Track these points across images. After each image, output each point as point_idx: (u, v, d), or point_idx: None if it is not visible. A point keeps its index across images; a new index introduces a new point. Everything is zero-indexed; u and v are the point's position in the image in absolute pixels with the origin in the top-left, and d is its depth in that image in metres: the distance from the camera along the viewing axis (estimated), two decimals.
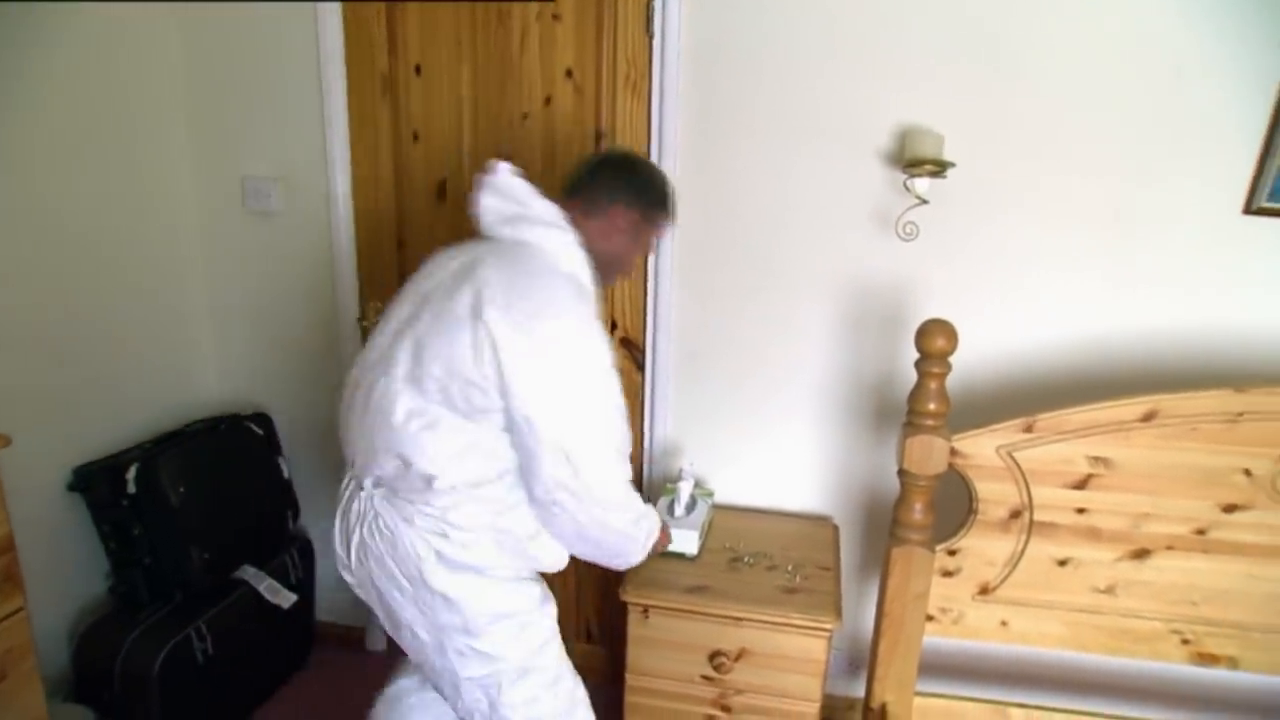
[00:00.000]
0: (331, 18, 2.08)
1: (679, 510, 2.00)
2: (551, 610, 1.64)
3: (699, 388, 2.17)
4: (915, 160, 1.81)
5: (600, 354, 1.43)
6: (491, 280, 1.37)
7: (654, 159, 2.00)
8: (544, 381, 1.36)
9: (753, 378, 2.13)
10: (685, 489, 2.00)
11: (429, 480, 1.40)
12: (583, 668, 2.43)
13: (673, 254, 2.07)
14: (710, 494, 2.15)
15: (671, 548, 1.91)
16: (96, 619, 2.08)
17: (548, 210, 1.50)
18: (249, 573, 2.25)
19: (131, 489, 2.02)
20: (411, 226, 2.21)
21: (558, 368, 1.37)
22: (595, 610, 2.44)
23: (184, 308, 2.35)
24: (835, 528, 2.15)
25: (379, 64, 2.10)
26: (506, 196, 1.52)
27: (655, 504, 1.87)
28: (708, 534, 2.06)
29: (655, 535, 1.65)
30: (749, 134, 1.97)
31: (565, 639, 2.41)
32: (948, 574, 1.75)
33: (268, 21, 2.13)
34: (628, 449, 1.48)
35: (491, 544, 1.48)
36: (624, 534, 1.54)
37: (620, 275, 1.67)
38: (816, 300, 2.04)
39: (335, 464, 2.42)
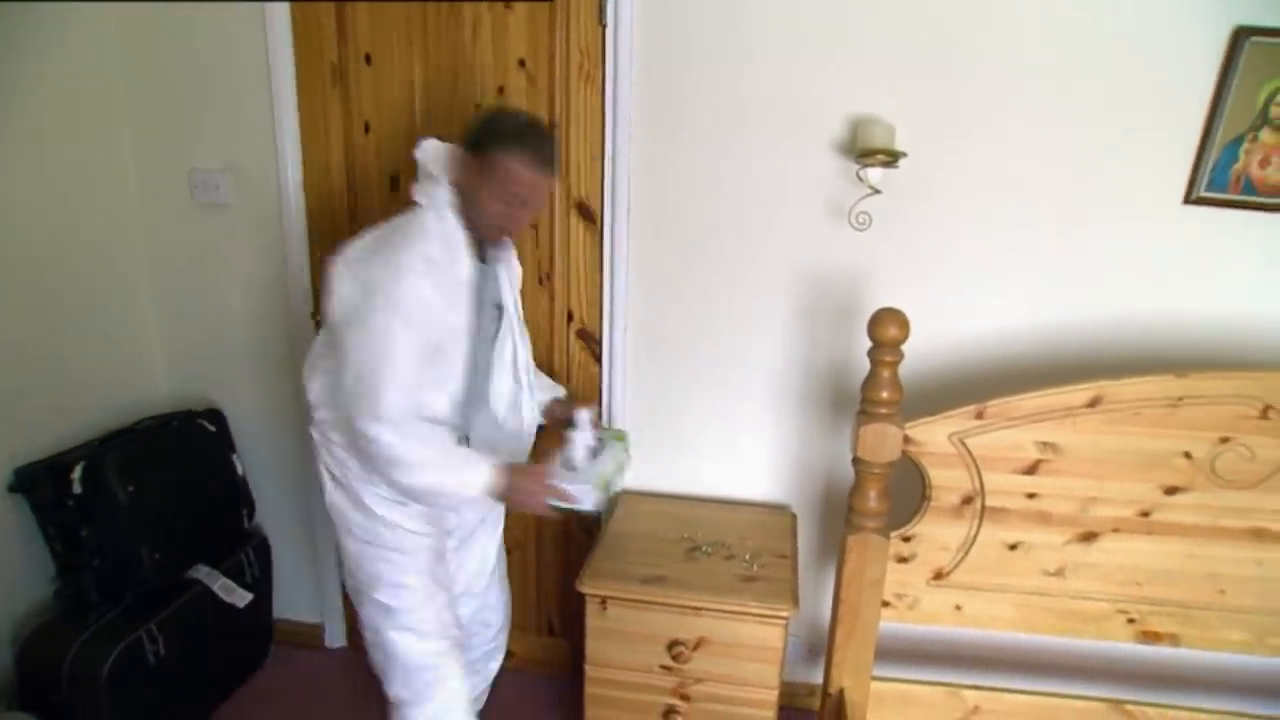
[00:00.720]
0: (278, 5, 2.04)
1: (577, 463, 1.77)
2: (412, 562, 1.71)
3: (656, 379, 2.17)
4: (867, 150, 1.82)
5: (392, 317, 1.47)
6: (364, 236, 1.60)
7: (609, 149, 2.00)
8: (338, 329, 1.53)
9: (710, 368, 2.14)
10: (580, 440, 1.78)
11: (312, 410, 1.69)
12: (544, 661, 2.46)
13: (628, 245, 2.06)
14: (623, 437, 1.91)
15: (574, 505, 1.69)
16: (41, 623, 2.03)
17: (436, 165, 1.59)
18: (202, 571, 2.22)
19: (77, 489, 1.98)
20: (364, 218, 2.15)
21: (351, 318, 1.50)
22: (555, 603, 2.44)
23: (131, 303, 2.30)
24: (793, 516, 2.17)
25: (328, 53, 2.07)
26: (422, 163, 1.62)
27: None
28: (617, 482, 1.98)
29: (481, 486, 1.58)
30: (703, 124, 1.97)
31: (526, 632, 2.43)
32: (902, 560, 1.77)
33: (211, 9, 2.08)
34: (405, 413, 1.51)
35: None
36: (416, 489, 1.58)
37: (500, 229, 1.61)
38: (771, 290, 2.05)
39: (290, 459, 2.40)
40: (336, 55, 2.06)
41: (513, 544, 2.38)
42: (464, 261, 1.56)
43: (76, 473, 1.97)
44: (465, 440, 1.75)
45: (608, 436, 1.87)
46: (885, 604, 1.79)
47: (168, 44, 2.14)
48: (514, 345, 1.76)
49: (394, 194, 2.14)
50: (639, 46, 1.93)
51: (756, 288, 2.06)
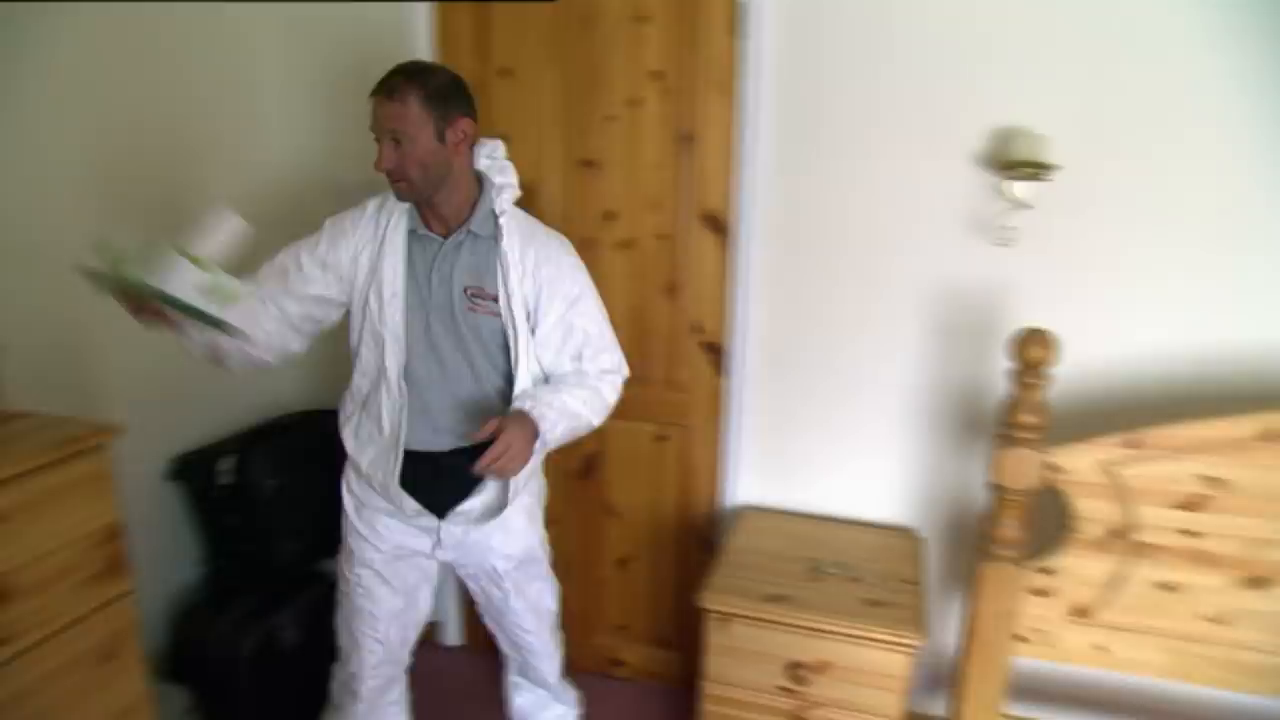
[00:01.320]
0: (421, 21, 2.12)
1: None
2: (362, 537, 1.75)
3: (780, 394, 2.14)
4: (1012, 162, 1.75)
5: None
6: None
7: (740, 161, 1.99)
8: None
9: (836, 385, 2.09)
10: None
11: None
12: (656, 673, 2.46)
13: (757, 258, 2.04)
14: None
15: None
16: (190, 603, 2.16)
17: None
18: (331, 566, 2.31)
19: (226, 479, 2.09)
20: None
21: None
22: (669, 614, 2.42)
23: None
24: (920, 540, 2.09)
25: (466, 67, 2.13)
26: None
27: None
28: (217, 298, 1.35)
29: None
30: (837, 136, 1.93)
31: (639, 642, 2.43)
32: (1040, 593, 1.68)
33: (358, 24, 2.18)
34: None
35: None
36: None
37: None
38: (904, 305, 1.99)
39: None
40: (475, 70, 2.13)
41: (628, 554, 2.39)
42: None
43: (226, 464, 2.09)
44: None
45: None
46: (1020, 639, 1.70)
47: (310, 53, 2.26)
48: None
49: (528, 205, 2.17)
50: (774, 58, 1.91)
51: (888, 303, 2.00)
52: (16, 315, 1.57)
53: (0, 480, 1.17)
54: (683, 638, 2.42)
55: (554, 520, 2.38)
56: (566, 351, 1.66)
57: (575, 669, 2.52)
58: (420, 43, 2.13)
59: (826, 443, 2.14)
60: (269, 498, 2.10)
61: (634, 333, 2.19)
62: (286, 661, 2.12)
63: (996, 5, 1.77)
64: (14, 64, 1.64)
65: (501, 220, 1.60)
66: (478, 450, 1.46)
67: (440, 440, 1.65)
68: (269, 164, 2.35)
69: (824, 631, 1.78)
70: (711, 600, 1.85)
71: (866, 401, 2.08)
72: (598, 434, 2.26)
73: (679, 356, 2.18)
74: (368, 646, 1.79)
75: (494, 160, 1.66)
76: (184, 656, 2.10)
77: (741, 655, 1.86)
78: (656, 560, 2.38)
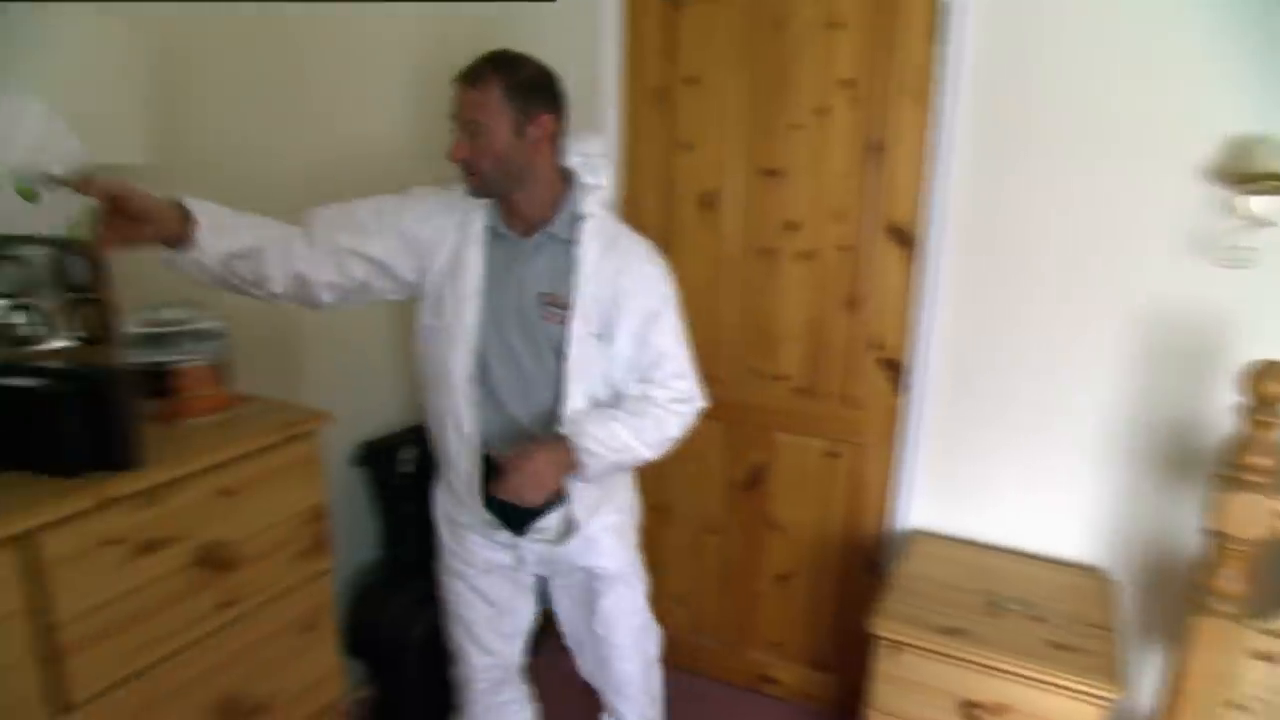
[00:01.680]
0: (611, 29, 2.17)
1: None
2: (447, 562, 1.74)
3: (963, 416, 2.03)
4: (1250, 175, 1.58)
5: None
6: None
7: (932, 171, 1.90)
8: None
9: (1025, 410, 1.96)
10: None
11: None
12: (813, 695, 2.39)
13: (945, 271, 1.95)
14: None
15: None
16: (369, 582, 2.29)
17: None
18: None
19: (407, 469, 2.20)
20: (676, 235, 2.24)
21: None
22: (827, 635, 2.36)
23: None
24: (1110, 582, 1.93)
25: (654, 76, 2.16)
26: None
27: None
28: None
29: None
30: (1040, 147, 1.82)
31: (796, 662, 2.38)
32: (1265, 657, 1.51)
33: (551, 33, 2.24)
34: None
35: None
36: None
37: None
38: (1107, 329, 1.85)
39: None
40: (662, 79, 2.15)
41: (788, 570, 2.34)
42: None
43: (407, 454, 2.19)
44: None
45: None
46: (1237, 707, 1.53)
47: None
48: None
49: (706, 212, 2.19)
50: (974, 64, 1.82)
51: (1087, 326, 1.86)
52: (240, 308, 1.70)
53: (233, 458, 1.28)
54: (841, 661, 2.35)
55: (714, 529, 2.40)
56: (637, 369, 1.52)
57: (724, 682, 2.50)
58: (609, 45, 2.17)
59: (1010, 470, 2.02)
60: None
61: (810, 346, 2.15)
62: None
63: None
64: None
65: (583, 224, 1.48)
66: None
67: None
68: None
69: (1004, 672, 1.67)
70: (883, 626, 1.77)
71: (1058, 428, 1.94)
72: (766, 445, 2.26)
73: (855, 372, 2.11)
74: (471, 651, 1.77)
75: (587, 158, 1.54)
76: (360, 633, 2.23)
77: (911, 686, 1.78)
78: (818, 579, 2.32)
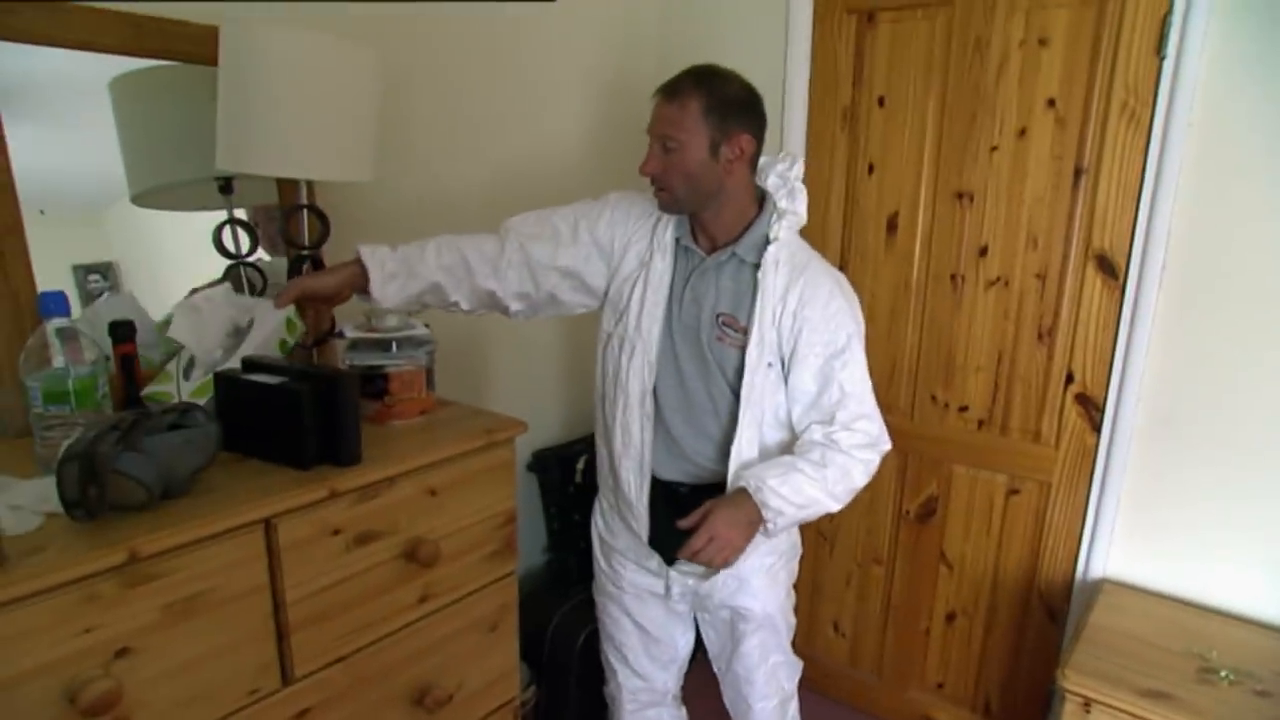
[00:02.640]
0: (801, 50, 2.16)
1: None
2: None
3: (1167, 461, 1.87)
4: None
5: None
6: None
7: (1146, 198, 1.78)
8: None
9: (1239, 454, 1.79)
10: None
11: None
12: None
13: (1153, 303, 1.81)
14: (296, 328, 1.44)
15: None
16: (533, 588, 2.36)
17: None
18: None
19: (579, 478, 2.25)
20: (857, 258, 2.20)
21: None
22: (996, 682, 2.23)
23: None
24: None
25: (842, 96, 2.13)
26: None
27: None
28: None
29: None
30: (1277, 169, 1.66)
31: (959, 705, 2.26)
32: None
33: (738, 55, 2.25)
34: None
35: None
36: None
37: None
38: None
39: None
40: (850, 98, 2.12)
41: (958, 609, 2.24)
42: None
43: (581, 464, 2.25)
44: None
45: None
46: None
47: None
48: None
49: (890, 235, 2.13)
50: (1204, 80, 1.69)
51: None
52: (435, 316, 1.81)
53: (440, 460, 1.35)
54: (1007, 711, 2.22)
55: (880, 560, 2.32)
56: (819, 409, 1.45)
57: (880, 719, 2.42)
58: (798, 63, 2.17)
59: (1218, 521, 1.84)
60: None
61: (997, 377, 2.05)
62: None
63: None
64: None
65: (770, 248, 1.43)
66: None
67: (683, 469, 1.55)
68: None
69: None
70: (1072, 680, 1.65)
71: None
72: (942, 477, 2.17)
73: (1045, 406, 2.00)
74: (621, 671, 1.78)
75: (785, 181, 1.49)
76: (526, 636, 2.29)
77: None
78: (990, 622, 2.20)
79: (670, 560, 1.59)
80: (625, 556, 1.68)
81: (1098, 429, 1.94)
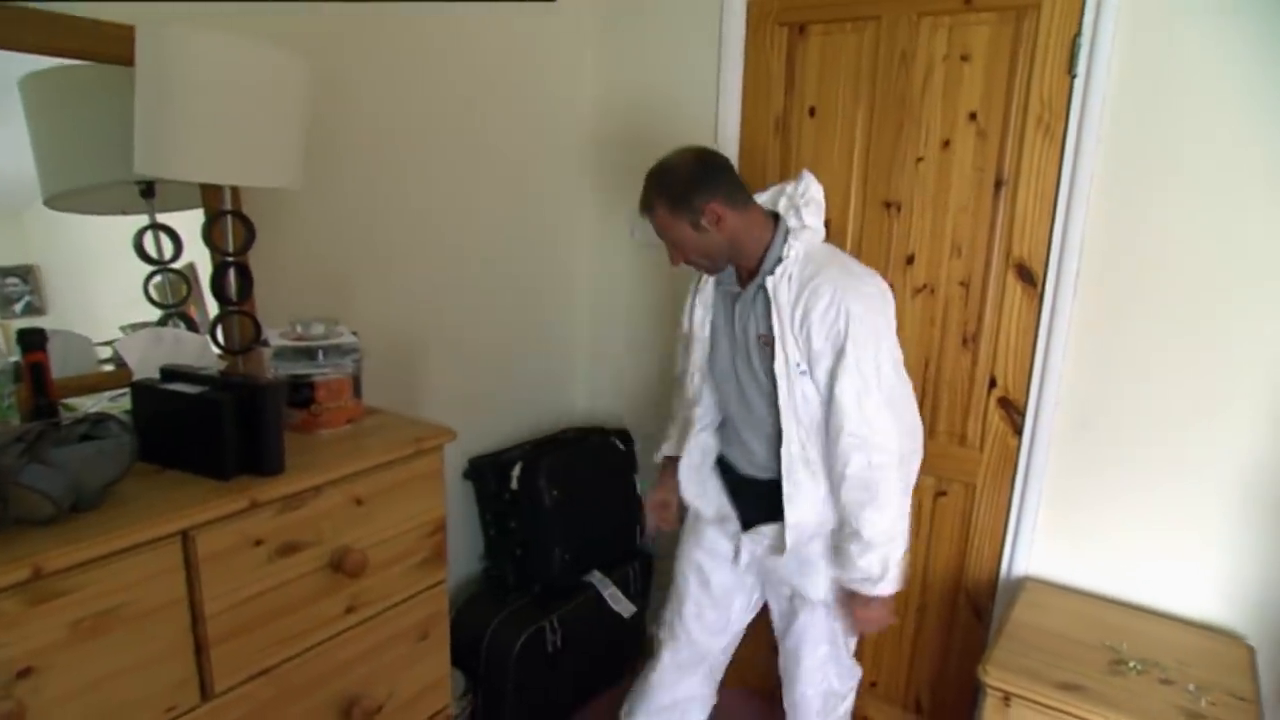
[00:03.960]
0: (734, 58, 2.19)
1: None
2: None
3: (1085, 462, 1.95)
4: None
5: None
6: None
7: (1061, 208, 1.85)
8: None
9: (1155, 458, 1.87)
10: None
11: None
12: None
13: (1070, 309, 1.88)
14: None
15: None
16: (471, 594, 2.34)
17: None
18: (596, 578, 2.40)
19: (514, 485, 2.25)
20: None
21: None
22: (925, 679, 2.28)
23: (572, 321, 2.60)
24: (1250, 649, 1.81)
25: (774, 105, 2.17)
26: None
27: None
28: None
29: None
30: (1180, 182, 1.74)
31: (891, 704, 2.31)
32: None
33: (673, 63, 2.29)
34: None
35: None
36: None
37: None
38: (1259, 378, 1.74)
39: None
40: (782, 107, 2.16)
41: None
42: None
43: (516, 471, 2.24)
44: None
45: None
46: None
47: (628, 92, 2.40)
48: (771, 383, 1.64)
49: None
50: (1112, 97, 1.76)
51: (1238, 372, 1.75)
52: (364, 323, 1.80)
53: (366, 469, 1.34)
54: (937, 707, 2.28)
55: None
56: (833, 418, 1.57)
57: None
58: (731, 74, 2.21)
59: (1134, 520, 1.92)
60: (550, 507, 2.23)
61: (923, 382, 2.10)
62: (550, 663, 2.24)
63: None
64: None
65: (780, 266, 1.57)
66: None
67: (757, 471, 1.74)
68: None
69: None
70: (993, 676, 1.71)
71: (1193, 479, 1.84)
72: None
73: (970, 410, 2.06)
74: (673, 621, 1.94)
75: (792, 200, 1.64)
76: (462, 644, 2.28)
77: None
78: (920, 621, 2.25)
79: (747, 525, 1.78)
80: (709, 519, 1.86)
81: (1019, 432, 2.00)
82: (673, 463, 1.86)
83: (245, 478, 1.20)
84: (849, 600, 1.69)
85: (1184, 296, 1.78)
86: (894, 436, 1.56)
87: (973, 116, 1.92)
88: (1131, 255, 1.82)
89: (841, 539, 1.64)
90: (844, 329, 1.51)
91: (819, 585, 1.74)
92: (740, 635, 1.97)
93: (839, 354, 1.52)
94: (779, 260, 1.57)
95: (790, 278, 1.56)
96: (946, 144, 1.96)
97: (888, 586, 1.60)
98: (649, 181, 1.61)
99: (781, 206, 1.64)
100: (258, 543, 1.18)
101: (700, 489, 1.85)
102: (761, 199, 1.67)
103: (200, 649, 1.13)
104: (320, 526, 1.28)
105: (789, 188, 1.65)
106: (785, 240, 1.58)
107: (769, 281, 1.57)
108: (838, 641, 1.83)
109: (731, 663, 2.26)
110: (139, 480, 1.16)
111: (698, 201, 1.54)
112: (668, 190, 1.57)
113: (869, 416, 1.53)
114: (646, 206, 1.61)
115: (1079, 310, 1.88)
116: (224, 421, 1.15)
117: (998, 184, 1.92)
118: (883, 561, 1.58)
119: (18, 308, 1.37)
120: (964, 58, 1.90)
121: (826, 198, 2.10)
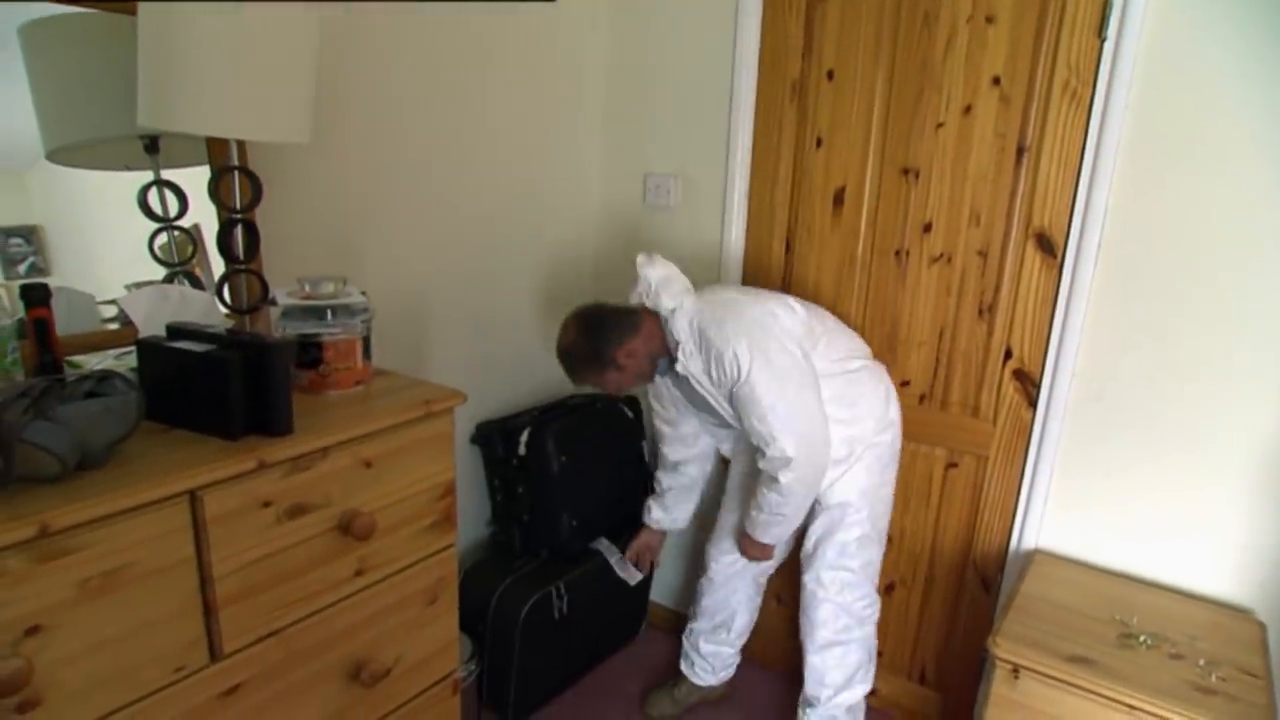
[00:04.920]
0: (751, 21, 2.14)
1: None
2: None
3: (1099, 434, 1.92)
4: None
5: None
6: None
7: (1085, 177, 1.81)
8: None
9: (1171, 432, 1.84)
10: None
11: None
12: (910, 709, 2.33)
13: (1090, 281, 1.85)
14: None
15: None
16: (478, 559, 2.34)
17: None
18: (604, 545, 2.40)
19: (522, 451, 2.23)
20: (803, 232, 2.21)
21: None
22: (933, 651, 2.28)
23: (576, 288, 2.56)
24: (1261, 625, 1.80)
25: (791, 69, 2.12)
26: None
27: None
28: None
29: None
30: (1209, 155, 1.69)
31: (896, 674, 2.32)
32: None
33: (689, 24, 2.23)
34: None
35: None
36: None
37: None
38: (1275, 350, 1.71)
39: None
40: (800, 71, 2.11)
41: (896, 581, 2.28)
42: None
43: (524, 436, 2.23)
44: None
45: None
46: None
47: (641, 56, 2.35)
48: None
49: (836, 209, 2.14)
50: (1142, 63, 1.71)
51: (1261, 346, 1.72)
52: (375, 283, 1.77)
53: (375, 431, 1.32)
54: (944, 678, 2.28)
55: None
56: (754, 435, 1.83)
57: None
58: (748, 36, 2.15)
59: (1147, 494, 1.90)
60: (558, 473, 2.22)
61: (938, 353, 2.08)
62: (556, 628, 2.24)
63: None
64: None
65: (679, 352, 1.83)
66: None
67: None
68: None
69: (1138, 710, 1.58)
70: (1001, 647, 1.70)
71: (1207, 455, 1.81)
72: None
73: (984, 382, 2.03)
74: (721, 545, 2.22)
75: (646, 296, 1.86)
76: (468, 608, 2.28)
77: (1030, 715, 1.70)
78: (927, 592, 2.25)
79: None
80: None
81: (1034, 404, 1.98)
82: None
83: (253, 438, 1.18)
84: (742, 538, 2.07)
85: (1206, 270, 1.74)
86: (793, 437, 1.78)
87: (996, 81, 1.87)
88: (1154, 227, 1.78)
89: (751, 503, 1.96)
90: (734, 371, 1.77)
91: (845, 485, 1.93)
92: (789, 546, 2.17)
93: (745, 394, 1.78)
94: (678, 344, 1.83)
95: (691, 355, 1.82)
96: (968, 109, 1.91)
97: (761, 534, 1.97)
98: (567, 366, 1.91)
99: (649, 304, 1.86)
100: (266, 504, 1.17)
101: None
102: (633, 303, 1.90)
103: (209, 610, 1.13)
104: (329, 488, 1.26)
105: (638, 288, 1.87)
106: (673, 326, 1.83)
107: (680, 368, 1.84)
108: (863, 533, 1.97)
109: (750, 643, 2.33)
110: (145, 439, 1.14)
111: (607, 355, 1.83)
112: (584, 362, 1.87)
113: (773, 428, 1.77)
114: (581, 381, 1.93)
115: (1098, 282, 1.85)
116: (232, 380, 1.13)
117: (1020, 151, 1.88)
118: (765, 524, 1.93)
119: (22, 268, 1.34)
120: (989, 19, 1.85)
121: (844, 163, 2.09)
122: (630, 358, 1.84)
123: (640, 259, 1.87)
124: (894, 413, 1.97)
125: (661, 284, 1.85)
